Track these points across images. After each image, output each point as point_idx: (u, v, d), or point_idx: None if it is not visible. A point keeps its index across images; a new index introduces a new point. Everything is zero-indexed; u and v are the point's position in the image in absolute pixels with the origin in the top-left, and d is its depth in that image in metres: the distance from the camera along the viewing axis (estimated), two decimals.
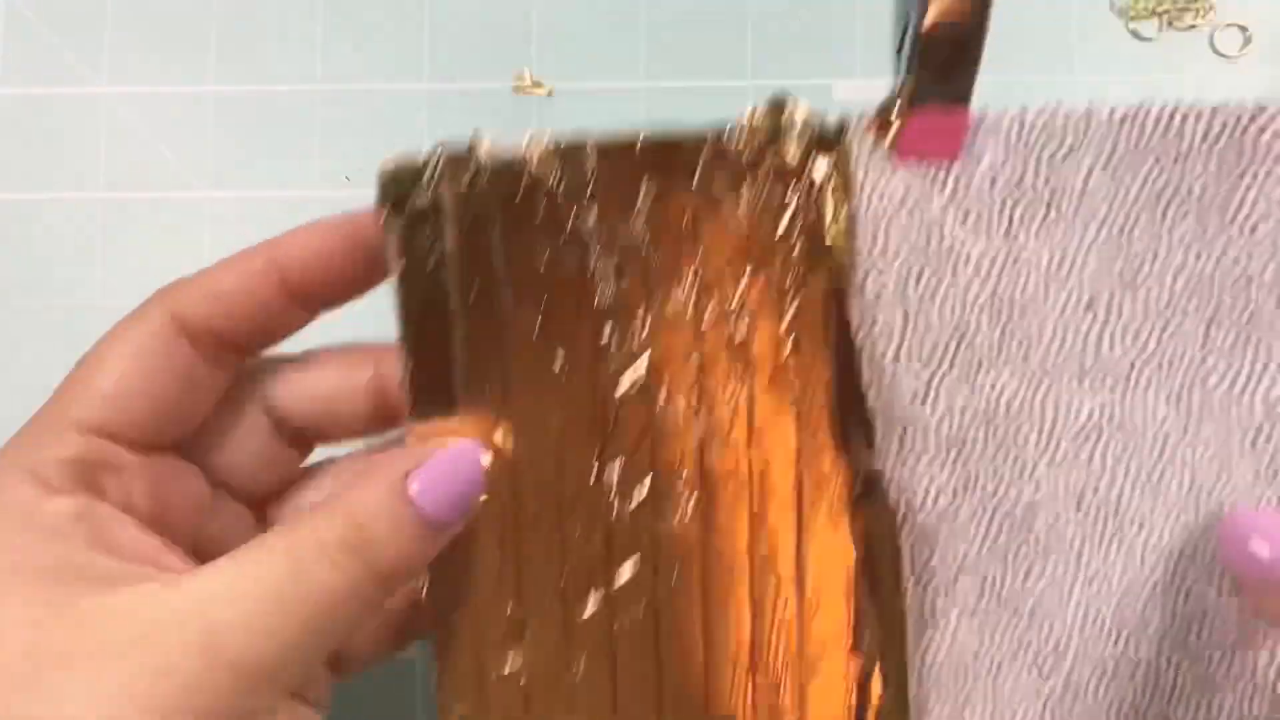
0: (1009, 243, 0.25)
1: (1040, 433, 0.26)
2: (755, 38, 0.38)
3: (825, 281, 0.25)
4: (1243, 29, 0.38)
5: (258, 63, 0.38)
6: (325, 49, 0.38)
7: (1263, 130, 0.24)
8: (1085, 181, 0.25)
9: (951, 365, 0.26)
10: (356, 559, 0.22)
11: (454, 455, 0.24)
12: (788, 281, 0.25)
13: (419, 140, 0.39)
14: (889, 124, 0.24)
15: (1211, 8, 0.38)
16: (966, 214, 0.25)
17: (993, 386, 0.26)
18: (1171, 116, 0.24)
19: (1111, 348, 0.25)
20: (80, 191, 0.38)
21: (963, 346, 0.25)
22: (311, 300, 0.25)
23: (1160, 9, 0.38)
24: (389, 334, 0.25)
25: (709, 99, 0.38)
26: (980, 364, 0.26)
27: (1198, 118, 0.24)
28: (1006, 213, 0.25)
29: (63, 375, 0.25)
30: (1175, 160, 0.25)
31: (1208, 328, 0.25)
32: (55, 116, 0.38)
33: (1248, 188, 0.25)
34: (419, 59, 0.38)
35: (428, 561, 0.24)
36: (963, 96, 0.24)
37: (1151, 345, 0.26)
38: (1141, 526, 0.26)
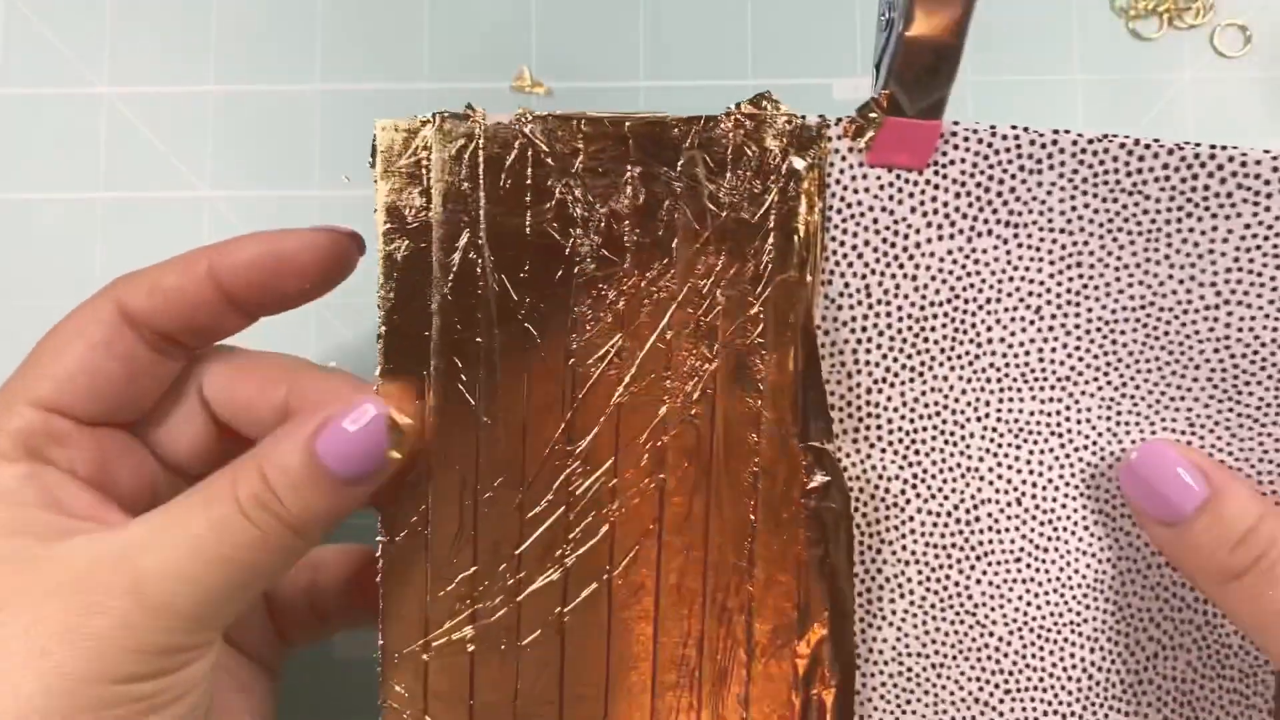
0: (969, 246, 0.26)
1: (984, 430, 0.27)
2: (755, 38, 0.38)
3: (795, 272, 0.26)
4: (1243, 29, 0.38)
5: (258, 63, 0.38)
6: (325, 49, 0.38)
7: (1212, 174, 0.25)
8: (1045, 198, 0.26)
9: (908, 359, 0.26)
10: (267, 512, 0.23)
11: (358, 414, 0.24)
12: (760, 269, 0.26)
13: None
14: (865, 128, 0.25)
15: (1211, 7, 0.38)
16: (932, 218, 0.26)
17: (944, 380, 0.26)
18: (1133, 149, 0.25)
19: (1054, 354, 0.26)
20: (80, 191, 0.38)
21: (919, 342, 0.26)
22: (247, 306, 0.26)
23: (1160, 8, 0.38)
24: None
25: (709, 99, 0.38)
26: (934, 359, 0.26)
27: (1156, 154, 0.25)
28: (969, 219, 0.26)
29: None
30: (1130, 191, 0.25)
31: (1143, 346, 0.26)
32: (55, 116, 0.38)
33: (1192, 227, 0.26)
34: (419, 59, 0.38)
35: (342, 515, 0.25)
36: (936, 108, 0.25)
37: (1089, 356, 0.27)
38: (1075, 529, 0.27)
